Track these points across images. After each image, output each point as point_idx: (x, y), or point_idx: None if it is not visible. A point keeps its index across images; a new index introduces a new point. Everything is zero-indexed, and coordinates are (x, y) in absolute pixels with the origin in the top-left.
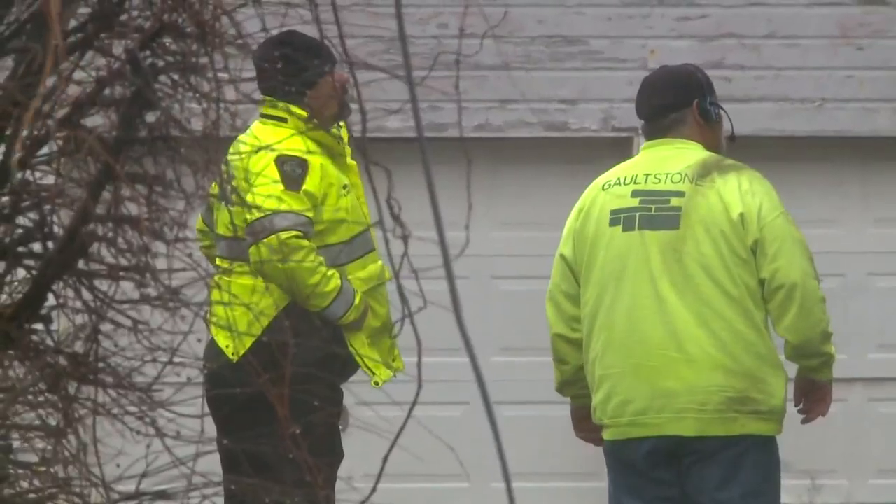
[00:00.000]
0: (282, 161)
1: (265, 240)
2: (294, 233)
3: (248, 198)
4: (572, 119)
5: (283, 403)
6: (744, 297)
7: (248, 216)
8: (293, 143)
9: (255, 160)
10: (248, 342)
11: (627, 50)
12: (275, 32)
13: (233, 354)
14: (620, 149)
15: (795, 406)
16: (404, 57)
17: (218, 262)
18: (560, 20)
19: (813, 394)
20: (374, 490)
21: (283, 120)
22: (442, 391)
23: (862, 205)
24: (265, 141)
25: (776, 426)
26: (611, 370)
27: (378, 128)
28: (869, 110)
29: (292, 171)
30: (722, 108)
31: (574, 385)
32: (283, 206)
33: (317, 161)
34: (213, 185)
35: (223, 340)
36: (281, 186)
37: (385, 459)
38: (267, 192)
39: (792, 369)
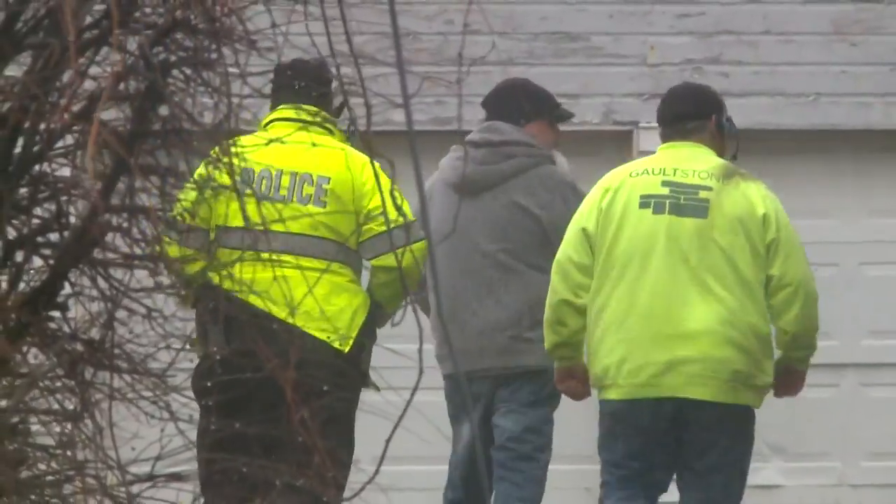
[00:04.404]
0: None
1: (416, 245)
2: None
3: (389, 199)
4: (574, 113)
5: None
6: (757, 285)
7: (398, 218)
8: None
9: (365, 167)
10: (348, 344)
11: (628, 46)
12: (284, 29)
13: (340, 345)
14: (621, 142)
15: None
16: (396, 50)
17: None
18: (562, 17)
19: (789, 378)
20: (377, 471)
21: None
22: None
23: (855, 196)
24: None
25: (761, 400)
26: (630, 334)
27: (384, 121)
28: (862, 105)
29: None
30: (734, 128)
31: (566, 347)
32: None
33: None
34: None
35: (320, 332)
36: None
37: (388, 442)
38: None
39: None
